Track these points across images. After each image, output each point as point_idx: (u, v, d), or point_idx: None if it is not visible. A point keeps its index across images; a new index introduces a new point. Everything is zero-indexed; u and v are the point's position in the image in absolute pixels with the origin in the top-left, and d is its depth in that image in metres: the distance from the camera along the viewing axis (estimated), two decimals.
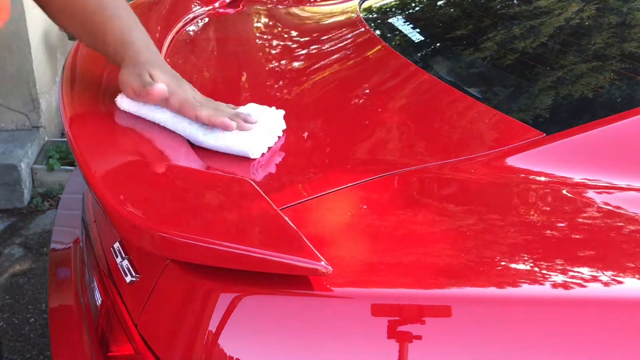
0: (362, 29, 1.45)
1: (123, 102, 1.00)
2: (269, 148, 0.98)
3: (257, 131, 0.97)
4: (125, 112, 1.02)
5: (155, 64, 0.97)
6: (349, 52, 1.39)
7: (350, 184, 0.90)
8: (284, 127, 1.02)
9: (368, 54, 1.35)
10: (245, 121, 0.95)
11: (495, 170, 0.95)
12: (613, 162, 0.98)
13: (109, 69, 1.18)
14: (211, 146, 0.95)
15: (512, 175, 0.95)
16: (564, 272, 0.81)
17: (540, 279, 0.79)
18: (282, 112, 1.04)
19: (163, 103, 0.96)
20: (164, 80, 0.95)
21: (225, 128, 0.94)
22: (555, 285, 0.79)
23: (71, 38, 3.37)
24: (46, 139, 2.92)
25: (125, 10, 1.02)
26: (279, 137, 1.00)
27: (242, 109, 1.01)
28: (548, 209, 0.93)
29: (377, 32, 1.43)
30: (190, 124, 0.96)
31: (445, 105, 1.13)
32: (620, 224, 0.91)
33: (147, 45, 1.00)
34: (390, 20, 1.53)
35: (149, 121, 1.01)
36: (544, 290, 0.79)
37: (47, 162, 2.74)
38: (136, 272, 0.90)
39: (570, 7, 1.37)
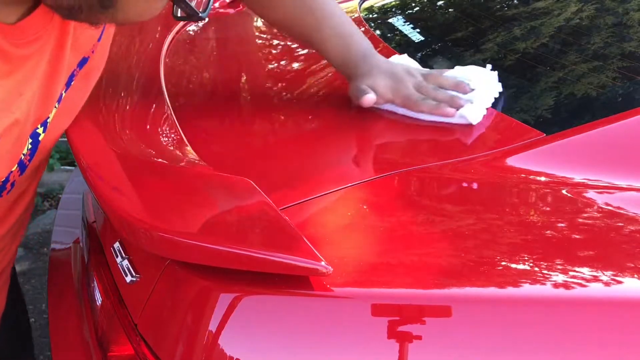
0: (362, 29, 1.45)
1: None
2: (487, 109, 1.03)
3: (475, 98, 1.02)
4: (126, 111, 1.02)
5: (371, 73, 1.05)
6: None
7: (350, 184, 0.90)
8: (500, 88, 1.07)
9: None
10: (464, 92, 1.03)
11: (496, 171, 0.95)
12: (613, 162, 0.98)
13: (109, 69, 1.18)
14: (437, 118, 1.03)
15: (512, 176, 0.95)
16: (564, 272, 0.81)
17: (540, 279, 0.79)
18: (495, 73, 1.07)
19: (392, 102, 1.06)
20: (382, 85, 1.04)
21: (447, 116, 1.02)
22: (555, 285, 0.79)
23: None
24: None
25: (339, 19, 1.09)
26: (495, 97, 1.05)
27: (457, 74, 1.06)
28: (548, 209, 0.93)
29: (377, 32, 1.43)
30: None
31: None
32: (620, 224, 0.91)
33: (364, 54, 1.07)
34: (390, 20, 1.53)
35: (149, 120, 1.01)
36: (544, 290, 0.79)
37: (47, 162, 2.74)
38: (136, 272, 0.90)
39: (570, 7, 1.37)
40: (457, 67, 1.10)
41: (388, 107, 1.07)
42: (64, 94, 0.92)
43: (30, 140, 0.88)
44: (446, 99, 1.03)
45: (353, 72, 1.07)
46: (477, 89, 1.04)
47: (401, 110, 1.07)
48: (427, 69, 1.11)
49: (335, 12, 1.09)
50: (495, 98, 1.06)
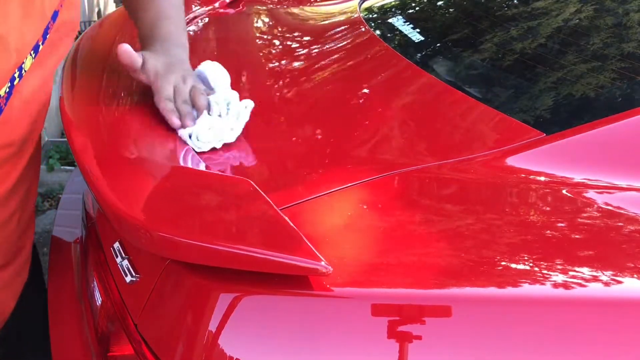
0: (362, 29, 1.45)
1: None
2: (226, 143, 1.00)
3: (202, 128, 0.99)
4: (125, 112, 1.02)
5: (156, 52, 1.05)
6: (348, 52, 1.39)
7: (350, 184, 0.90)
8: (245, 119, 1.03)
9: (368, 54, 1.35)
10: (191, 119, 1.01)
11: (496, 170, 0.95)
12: (613, 162, 0.98)
13: (109, 69, 1.18)
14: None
15: (512, 175, 0.95)
16: (564, 272, 0.81)
17: (540, 279, 0.79)
18: (248, 104, 1.04)
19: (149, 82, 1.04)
20: (150, 63, 1.02)
21: (172, 124, 1.00)
22: (555, 285, 0.79)
23: None
24: (46, 139, 2.92)
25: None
26: (237, 131, 1.02)
27: (212, 99, 1.03)
28: (548, 209, 0.93)
29: (377, 32, 1.43)
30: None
31: (445, 106, 1.13)
32: (620, 224, 0.91)
33: (165, 39, 1.08)
34: (390, 20, 1.53)
35: (149, 121, 1.01)
36: (544, 290, 0.79)
37: (47, 162, 2.74)
38: (136, 272, 0.90)
39: (569, 7, 1.37)
40: (206, 65, 1.07)
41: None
42: (41, 46, 0.97)
43: (8, 84, 0.94)
44: (183, 113, 1.00)
45: (146, 45, 1.08)
46: (210, 120, 1.00)
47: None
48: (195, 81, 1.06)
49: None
50: (234, 133, 1.01)
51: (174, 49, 1.08)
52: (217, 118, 1.01)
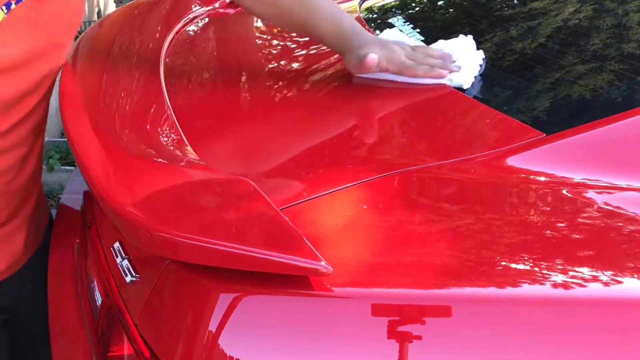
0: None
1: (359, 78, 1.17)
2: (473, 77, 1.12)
3: (462, 65, 1.13)
4: (126, 111, 1.02)
5: (364, 44, 1.14)
6: None
7: (350, 184, 0.90)
8: (482, 55, 1.16)
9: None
10: (450, 62, 1.14)
11: (495, 171, 0.95)
12: (613, 162, 0.98)
13: (109, 69, 1.18)
14: (434, 82, 1.12)
15: (512, 176, 0.95)
16: (564, 272, 0.81)
17: (540, 279, 0.79)
18: (473, 42, 1.18)
19: (387, 71, 1.14)
20: (376, 53, 1.11)
21: (441, 77, 1.12)
22: (555, 285, 0.79)
23: None
24: (46, 139, 2.92)
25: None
26: (480, 65, 1.15)
27: (444, 47, 1.17)
28: (548, 209, 0.93)
29: (377, 32, 1.43)
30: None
31: (445, 106, 1.13)
32: (620, 224, 0.91)
33: (354, 31, 1.17)
34: (390, 20, 1.53)
35: (149, 121, 1.01)
36: (544, 290, 0.79)
37: (47, 162, 2.74)
38: (136, 272, 0.90)
39: (569, 7, 1.37)
40: (440, 41, 1.20)
41: (384, 76, 1.14)
42: (13, 5, 1.00)
43: None
44: (437, 64, 1.12)
45: (348, 46, 1.15)
46: (462, 58, 1.14)
47: (397, 78, 1.14)
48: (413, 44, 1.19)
49: None
50: (480, 65, 1.14)
51: (363, 33, 1.16)
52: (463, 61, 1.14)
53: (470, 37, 1.20)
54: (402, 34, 1.22)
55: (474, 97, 1.12)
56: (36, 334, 1.27)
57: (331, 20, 1.17)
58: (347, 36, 1.16)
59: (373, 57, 1.11)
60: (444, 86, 1.12)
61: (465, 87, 1.10)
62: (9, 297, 1.24)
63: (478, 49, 1.20)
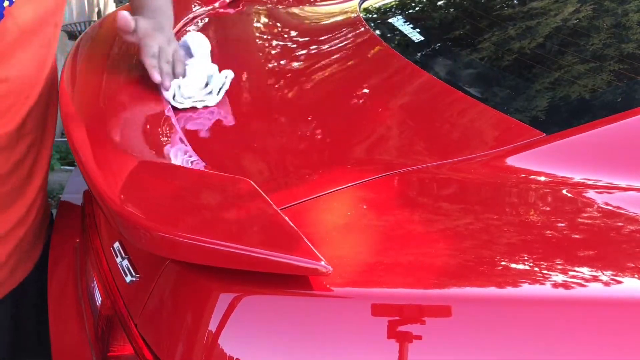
0: (362, 29, 1.45)
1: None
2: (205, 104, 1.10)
3: (186, 87, 1.10)
4: (126, 111, 1.02)
5: (145, 16, 1.15)
6: (348, 52, 1.39)
7: (350, 184, 0.90)
8: (225, 87, 1.12)
9: (368, 54, 1.35)
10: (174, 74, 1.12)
11: (495, 170, 0.95)
12: (613, 162, 0.98)
13: (109, 69, 1.18)
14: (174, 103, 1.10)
15: (512, 175, 0.95)
16: (564, 272, 0.81)
17: (540, 279, 0.79)
18: (229, 74, 1.13)
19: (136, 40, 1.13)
20: (141, 25, 1.12)
21: (154, 79, 1.10)
22: (555, 285, 0.79)
23: (71, 38, 3.37)
24: None
25: None
26: (212, 98, 1.11)
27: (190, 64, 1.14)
28: (548, 209, 0.93)
29: (377, 32, 1.43)
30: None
31: (445, 106, 1.13)
32: (620, 224, 0.91)
33: (157, 7, 1.19)
34: (390, 20, 1.53)
35: (149, 121, 1.01)
36: (544, 290, 0.79)
37: None
38: (136, 272, 0.90)
39: (569, 7, 1.37)
40: (191, 35, 1.18)
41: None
42: None
43: None
44: (164, 72, 1.10)
45: (140, 13, 1.18)
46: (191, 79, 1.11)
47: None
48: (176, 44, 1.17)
49: None
50: (212, 97, 1.11)
51: (160, 18, 1.17)
52: (194, 81, 1.10)
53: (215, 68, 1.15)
54: (204, 39, 1.18)
55: (474, 96, 1.12)
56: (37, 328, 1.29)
57: None
58: (147, 6, 1.18)
59: (125, 16, 1.11)
60: None
61: (171, 104, 1.08)
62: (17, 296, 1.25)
63: (478, 49, 1.20)
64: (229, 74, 1.13)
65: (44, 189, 1.29)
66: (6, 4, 1.03)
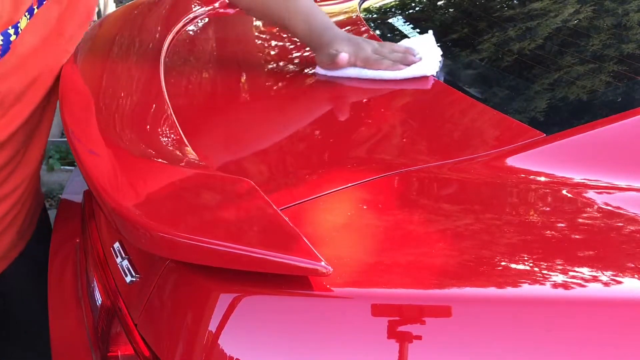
0: (362, 29, 1.45)
1: (327, 73, 1.21)
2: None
3: (425, 57, 1.20)
4: (126, 111, 1.02)
5: (334, 41, 1.19)
6: None
7: (350, 184, 0.90)
8: (439, 51, 1.22)
9: None
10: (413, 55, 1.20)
11: (495, 171, 0.95)
12: (613, 162, 0.98)
13: (109, 69, 1.18)
14: (398, 77, 1.18)
15: (512, 176, 0.95)
16: (564, 272, 0.81)
17: (540, 279, 0.79)
18: (432, 38, 1.25)
19: (355, 65, 1.19)
20: (346, 50, 1.17)
21: (400, 71, 1.18)
22: (555, 285, 0.79)
23: None
24: None
25: None
26: (439, 61, 1.21)
27: (405, 44, 1.24)
28: (548, 209, 0.93)
29: (377, 32, 1.43)
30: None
31: (445, 106, 1.13)
32: (620, 224, 0.91)
33: (325, 27, 1.22)
34: (390, 20, 1.53)
35: (149, 121, 1.01)
36: (544, 290, 0.79)
37: (47, 162, 2.74)
38: (136, 272, 0.90)
39: (569, 8, 1.37)
40: (404, 40, 1.28)
41: (350, 73, 1.19)
42: (36, 9, 1.08)
43: (1, 37, 1.03)
44: (399, 59, 1.18)
45: (317, 42, 1.20)
46: (423, 51, 1.21)
47: (362, 74, 1.19)
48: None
49: None
50: (439, 61, 1.21)
51: (333, 29, 1.21)
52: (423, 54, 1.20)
53: (430, 33, 1.27)
54: (431, 40, 1.26)
55: (474, 97, 1.12)
56: (28, 321, 1.30)
57: (304, 15, 1.22)
58: (318, 32, 1.20)
59: (344, 56, 1.16)
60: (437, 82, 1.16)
61: (428, 74, 1.17)
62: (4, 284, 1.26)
63: (478, 49, 1.20)
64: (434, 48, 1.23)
65: (31, 190, 1.28)
66: (12, 38, 1.06)
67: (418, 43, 1.25)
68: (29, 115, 1.15)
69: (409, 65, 1.18)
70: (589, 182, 0.95)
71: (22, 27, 1.07)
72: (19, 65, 1.10)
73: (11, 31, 1.06)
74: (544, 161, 0.96)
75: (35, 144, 1.24)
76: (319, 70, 1.22)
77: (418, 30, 1.42)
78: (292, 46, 1.46)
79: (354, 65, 1.18)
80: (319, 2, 1.75)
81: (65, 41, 1.18)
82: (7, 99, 1.11)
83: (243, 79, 1.29)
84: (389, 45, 1.22)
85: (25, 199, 1.26)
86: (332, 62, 1.17)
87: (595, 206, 0.94)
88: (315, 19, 1.22)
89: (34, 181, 1.29)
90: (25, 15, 1.07)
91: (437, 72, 1.19)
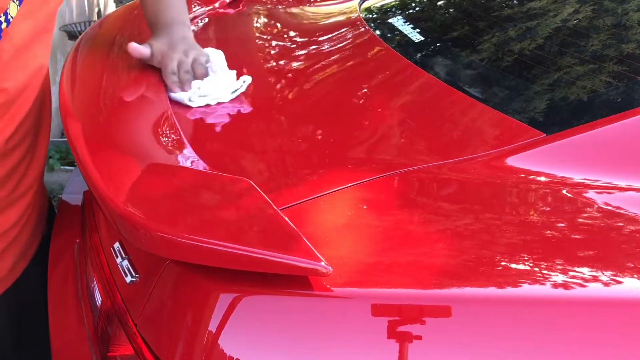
0: (362, 29, 1.45)
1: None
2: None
3: (205, 87, 1.13)
4: (126, 111, 1.02)
5: (160, 36, 1.19)
6: (348, 52, 1.39)
7: (350, 184, 0.90)
8: (232, 87, 1.15)
9: (368, 54, 1.35)
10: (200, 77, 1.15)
11: (496, 171, 0.95)
12: (613, 162, 0.98)
13: (109, 69, 1.18)
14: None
15: (512, 176, 0.95)
16: (564, 272, 0.81)
17: (540, 279, 0.79)
18: (247, 79, 1.17)
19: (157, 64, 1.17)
20: (156, 48, 1.16)
21: (172, 91, 1.13)
22: (555, 285, 0.79)
23: (71, 38, 3.37)
24: None
25: None
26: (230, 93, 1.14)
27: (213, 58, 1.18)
28: (548, 209, 0.93)
29: (377, 32, 1.43)
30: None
31: (445, 106, 1.13)
32: (620, 224, 0.91)
33: (167, 23, 1.21)
34: (390, 20, 1.53)
35: (149, 121, 1.01)
36: (544, 290, 0.79)
37: (47, 162, 2.74)
38: (136, 272, 0.90)
39: (569, 8, 1.37)
40: (209, 49, 1.21)
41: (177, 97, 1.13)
42: None
43: None
44: (183, 81, 1.14)
45: (153, 31, 1.22)
46: (210, 81, 1.15)
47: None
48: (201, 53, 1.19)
49: None
50: (231, 92, 1.15)
51: (176, 30, 1.20)
52: (211, 80, 1.14)
53: (219, 52, 1.20)
54: (220, 56, 1.20)
55: (474, 97, 1.12)
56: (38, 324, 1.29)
57: (156, 5, 1.23)
58: (160, 24, 1.20)
59: (135, 47, 1.15)
60: None
61: (185, 103, 1.11)
62: (17, 292, 1.26)
63: (478, 49, 1.20)
64: (247, 79, 1.17)
65: (40, 189, 1.30)
66: (4, 26, 1.05)
67: (218, 67, 1.18)
68: (30, 107, 1.16)
69: (177, 89, 1.12)
70: (589, 182, 0.95)
71: (12, 15, 1.06)
72: (17, 55, 1.10)
73: (2, 18, 1.05)
74: (544, 161, 0.96)
75: (40, 140, 1.25)
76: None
77: (418, 30, 1.42)
78: (293, 46, 1.46)
79: (159, 65, 1.16)
80: (319, 2, 1.76)
81: (48, 29, 1.18)
82: (11, 90, 1.11)
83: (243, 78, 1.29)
84: (195, 59, 1.16)
85: (36, 200, 1.26)
86: (133, 48, 1.16)
87: (595, 206, 0.94)
88: (165, 9, 1.22)
89: (42, 180, 1.29)
90: (14, 1, 1.05)
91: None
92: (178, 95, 1.11)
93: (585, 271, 0.82)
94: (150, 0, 1.25)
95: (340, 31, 1.49)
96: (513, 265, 0.81)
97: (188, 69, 1.14)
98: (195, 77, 1.13)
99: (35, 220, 1.27)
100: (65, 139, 1.00)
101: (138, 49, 1.15)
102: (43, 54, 1.18)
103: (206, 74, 1.14)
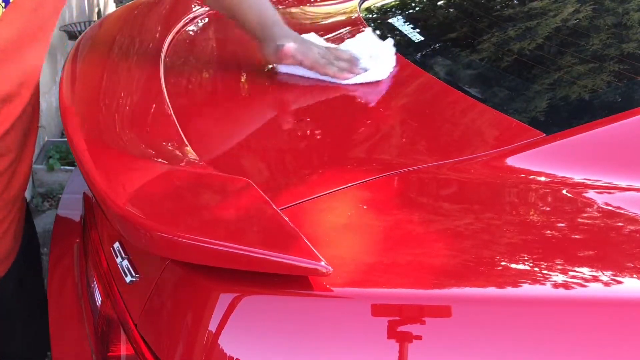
0: (362, 29, 1.45)
1: (288, 70, 1.23)
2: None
3: (376, 59, 1.21)
4: (125, 111, 1.02)
5: (282, 36, 1.21)
6: None
7: (350, 184, 0.90)
8: (392, 61, 1.22)
9: None
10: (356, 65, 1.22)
11: (495, 171, 0.95)
12: (613, 162, 0.98)
13: (109, 69, 1.18)
14: (348, 81, 1.19)
15: (512, 176, 0.95)
16: (564, 272, 0.81)
17: (540, 279, 0.79)
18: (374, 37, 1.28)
19: (301, 65, 1.21)
20: (292, 46, 1.19)
21: (344, 79, 1.20)
22: (555, 285, 0.79)
23: (71, 38, 3.36)
24: (46, 139, 2.92)
25: None
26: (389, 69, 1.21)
27: (349, 48, 1.25)
28: (548, 209, 0.93)
29: (377, 32, 1.43)
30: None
31: (445, 106, 1.13)
32: (620, 224, 0.91)
33: (274, 21, 1.24)
34: (390, 20, 1.53)
35: (149, 121, 1.01)
36: (544, 290, 0.79)
37: (47, 162, 2.74)
38: (136, 272, 0.90)
39: (569, 7, 1.37)
40: (347, 41, 1.29)
41: (297, 71, 1.21)
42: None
43: None
44: (345, 67, 1.20)
45: (268, 35, 1.22)
46: (372, 53, 1.22)
47: (307, 73, 1.20)
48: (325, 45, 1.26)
49: None
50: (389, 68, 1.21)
51: (282, 25, 1.23)
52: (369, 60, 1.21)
53: (369, 30, 1.28)
54: (318, 38, 1.27)
55: (474, 97, 1.12)
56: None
57: (257, 8, 1.24)
58: (269, 25, 1.22)
59: (289, 47, 1.18)
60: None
61: (380, 79, 1.18)
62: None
63: (478, 49, 1.20)
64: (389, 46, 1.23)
65: (22, 204, 1.30)
66: None
67: (364, 44, 1.25)
68: (21, 112, 1.14)
69: (351, 75, 1.19)
70: (589, 182, 0.95)
71: None
72: (5, 58, 1.08)
73: None
74: (544, 161, 0.96)
75: (28, 145, 1.24)
76: (280, 68, 1.23)
77: (418, 30, 1.42)
78: None
79: (301, 64, 1.20)
80: (319, 2, 1.75)
81: (43, 34, 1.16)
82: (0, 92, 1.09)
83: (243, 78, 1.29)
84: (334, 50, 1.23)
85: (21, 201, 1.26)
86: (277, 53, 1.19)
87: (595, 206, 0.94)
88: (267, 13, 1.24)
89: (26, 183, 1.29)
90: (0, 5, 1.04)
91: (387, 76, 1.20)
92: (356, 79, 1.18)
93: (585, 271, 0.82)
94: (249, 4, 1.25)
95: (340, 31, 1.49)
96: (513, 265, 0.81)
97: (332, 56, 1.19)
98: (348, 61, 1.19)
99: (14, 231, 1.26)
100: (65, 139, 1.00)
101: (289, 48, 1.17)
102: (32, 60, 1.15)
103: (358, 62, 1.21)
